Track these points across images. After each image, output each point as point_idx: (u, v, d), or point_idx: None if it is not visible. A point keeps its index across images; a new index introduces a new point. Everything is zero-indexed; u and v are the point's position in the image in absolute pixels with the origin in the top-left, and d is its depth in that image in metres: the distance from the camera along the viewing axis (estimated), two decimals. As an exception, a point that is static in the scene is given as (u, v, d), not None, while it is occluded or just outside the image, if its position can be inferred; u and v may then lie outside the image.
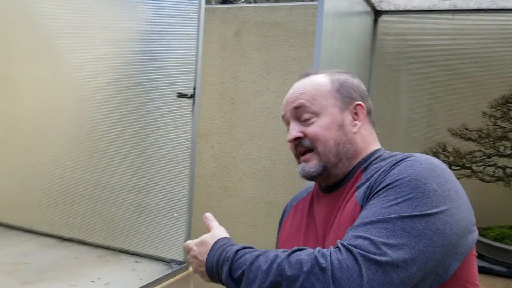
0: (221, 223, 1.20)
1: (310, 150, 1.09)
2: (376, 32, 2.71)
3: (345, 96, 1.12)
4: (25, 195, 2.28)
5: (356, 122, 1.12)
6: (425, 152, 2.37)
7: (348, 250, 0.83)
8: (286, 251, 0.91)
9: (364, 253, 0.81)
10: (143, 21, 2.00)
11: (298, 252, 0.89)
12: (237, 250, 0.92)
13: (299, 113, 1.09)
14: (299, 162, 1.12)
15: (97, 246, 2.06)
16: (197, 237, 1.04)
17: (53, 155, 2.22)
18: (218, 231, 1.04)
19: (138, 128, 2.00)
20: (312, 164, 1.07)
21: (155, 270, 1.81)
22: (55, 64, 2.22)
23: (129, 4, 2.03)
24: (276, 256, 0.88)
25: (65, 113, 2.20)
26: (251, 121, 3.02)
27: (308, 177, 1.07)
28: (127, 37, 2.02)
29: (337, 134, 1.08)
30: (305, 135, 1.08)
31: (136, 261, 1.91)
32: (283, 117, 1.14)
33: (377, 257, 0.80)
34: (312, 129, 1.08)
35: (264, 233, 2.99)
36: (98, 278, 1.69)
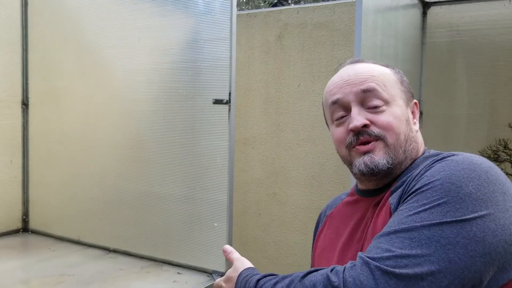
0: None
1: (374, 140, 0.95)
2: (425, 25, 2.54)
3: (407, 91, 1.02)
4: (74, 207, 2.33)
5: (415, 121, 1.02)
6: (483, 151, 2.18)
7: (366, 263, 0.76)
8: (302, 273, 0.84)
9: (383, 266, 0.73)
10: (177, 29, 1.98)
11: (312, 273, 0.82)
12: (258, 280, 0.91)
13: (366, 97, 0.96)
14: (350, 155, 0.98)
15: (141, 257, 2.05)
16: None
17: (100, 166, 2.26)
18: (239, 263, 1.00)
19: (177, 137, 1.98)
20: (381, 155, 0.94)
21: (196, 282, 1.77)
22: (99, 77, 2.26)
23: (162, 14, 2.03)
24: (291, 281, 0.84)
25: (110, 125, 2.23)
26: (297, 125, 2.93)
27: (377, 171, 0.94)
28: (162, 46, 2.02)
29: (406, 129, 0.97)
30: (372, 123, 0.95)
31: (178, 273, 1.87)
32: (336, 101, 0.99)
33: (397, 270, 0.72)
34: (384, 117, 0.95)
35: (315, 241, 2.87)
36: (139, 290, 1.67)
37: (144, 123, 2.11)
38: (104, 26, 2.20)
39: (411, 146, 0.98)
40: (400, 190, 0.90)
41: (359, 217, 1.03)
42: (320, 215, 1.22)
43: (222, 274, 1.81)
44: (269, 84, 3.03)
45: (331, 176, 2.78)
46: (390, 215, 0.87)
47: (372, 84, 0.97)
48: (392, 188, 0.94)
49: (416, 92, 2.63)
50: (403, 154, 0.96)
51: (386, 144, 0.95)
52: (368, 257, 0.76)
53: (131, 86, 2.14)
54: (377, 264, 0.74)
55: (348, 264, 0.79)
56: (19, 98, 2.48)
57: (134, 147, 2.14)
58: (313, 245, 1.19)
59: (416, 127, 1.01)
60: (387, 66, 1.05)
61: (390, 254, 0.74)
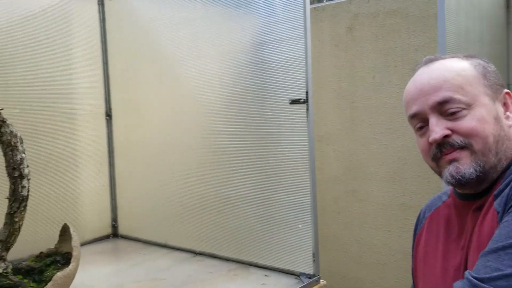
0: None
1: (459, 149, 0.90)
2: (510, 3, 2.34)
3: (493, 83, 0.94)
4: (159, 211, 2.41)
5: (508, 113, 0.94)
6: None
7: (475, 286, 0.71)
8: None
9: None
10: (249, 31, 1.97)
11: None
12: None
13: (443, 106, 0.92)
14: (438, 166, 0.94)
15: (227, 259, 2.08)
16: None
17: (180, 171, 2.31)
18: None
19: (255, 140, 1.98)
20: (467, 164, 0.89)
21: (284, 284, 1.76)
22: (175, 86, 2.32)
23: (233, 17, 2.03)
24: None
25: (188, 131, 2.27)
26: (374, 119, 2.83)
27: (464, 181, 0.89)
28: (235, 49, 2.02)
29: (495, 129, 0.90)
30: (454, 132, 0.91)
31: (266, 275, 1.87)
32: (413, 115, 0.95)
33: None
34: (466, 123, 0.90)
35: (399, 238, 2.76)
36: (229, 294, 1.68)
37: (220, 128, 2.13)
38: (178, 36, 2.25)
39: (504, 146, 0.91)
40: (505, 194, 0.82)
41: (460, 222, 0.97)
42: (419, 215, 1.15)
43: (310, 276, 1.79)
44: (341, 78, 2.95)
45: (414, 171, 2.66)
46: (497, 223, 0.80)
47: (446, 94, 0.91)
48: (495, 192, 0.87)
49: (505, 77, 2.44)
50: (495, 157, 0.89)
51: (473, 151, 0.90)
52: (476, 278, 0.71)
53: (206, 92, 2.17)
54: (487, 286, 0.69)
55: (458, 284, 0.74)
56: (102, 110, 2.60)
57: (212, 152, 2.17)
58: (413, 246, 1.13)
59: (510, 121, 0.93)
60: (467, 58, 0.97)
61: (500, 273, 0.69)
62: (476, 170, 0.88)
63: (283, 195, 1.90)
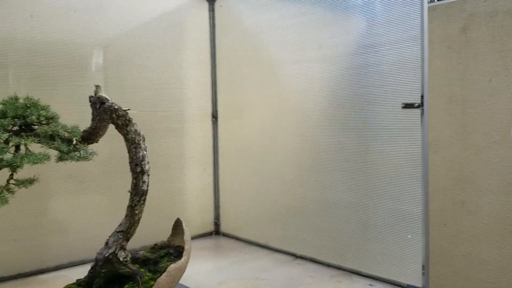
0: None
1: None
2: None
3: None
4: (259, 212, 2.45)
5: None
6: None
7: None
8: None
9: None
10: (357, 33, 1.93)
11: None
12: None
13: None
14: None
15: (329, 265, 2.05)
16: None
17: (280, 173, 2.33)
18: None
19: (359, 144, 1.94)
20: None
21: (391, 296, 1.69)
22: (277, 88, 2.35)
23: (340, 20, 2.00)
24: None
25: (289, 134, 2.29)
26: (488, 126, 2.62)
27: None
28: (341, 52, 1.99)
29: None
30: None
31: (370, 284, 1.81)
32: None
33: None
34: None
35: (515, 257, 2.52)
36: (333, 300, 1.65)
37: (322, 131, 2.11)
38: (282, 39, 2.28)
39: None
40: None
41: None
42: None
43: (418, 289, 1.70)
44: (452, 82, 2.77)
45: (535, 183, 2.42)
46: None
47: None
48: None
49: None
50: None
51: None
52: None
53: (308, 95, 2.17)
54: None
55: None
56: (209, 111, 2.71)
57: (313, 155, 2.16)
58: None
59: None
60: None
61: None
62: None
63: (390, 202, 1.83)
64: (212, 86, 2.71)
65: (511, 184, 2.53)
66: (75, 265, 2.17)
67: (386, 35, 1.81)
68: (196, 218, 2.67)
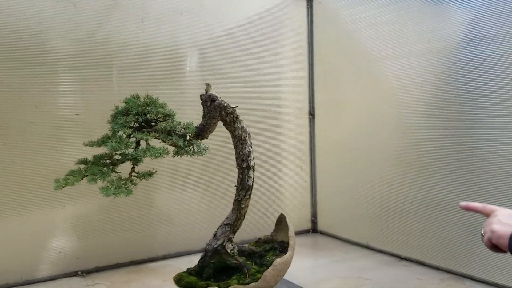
0: None
1: None
2: None
3: None
4: (359, 211, 2.40)
5: None
6: None
7: None
8: None
9: None
10: (466, 25, 1.81)
11: None
12: None
13: None
14: None
15: (437, 268, 1.95)
16: None
17: (379, 172, 2.26)
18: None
19: (467, 142, 1.82)
20: None
21: (510, 304, 1.57)
22: (376, 85, 2.28)
23: (447, 11, 1.89)
24: None
25: (388, 131, 2.21)
26: None
27: None
28: (449, 46, 1.88)
29: None
30: None
31: (485, 291, 1.70)
32: None
33: None
34: None
35: None
36: (445, 305, 1.57)
37: (424, 128, 2.02)
38: (381, 35, 2.21)
39: None
40: None
41: None
42: None
43: (543, 299, 1.56)
44: None
45: None
46: None
47: None
48: None
49: None
50: None
51: None
52: None
53: (408, 91, 2.09)
54: None
55: None
56: (306, 109, 2.71)
57: (414, 153, 2.06)
58: None
59: None
60: None
61: None
62: None
63: (503, 202, 1.69)
64: (309, 84, 2.70)
65: None
66: (181, 255, 2.28)
67: (499, 26, 1.68)
68: (293, 215, 2.67)
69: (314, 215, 2.73)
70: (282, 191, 2.66)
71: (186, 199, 2.33)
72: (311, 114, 2.71)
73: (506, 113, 1.67)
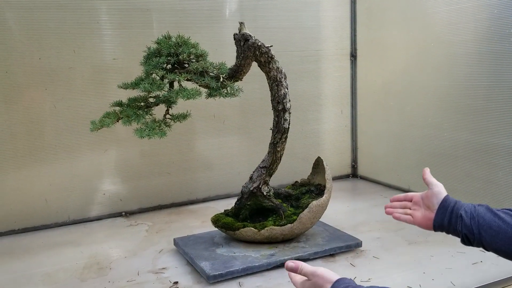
0: None
1: None
2: None
3: None
4: (402, 156, 2.33)
5: None
6: None
7: None
8: None
9: None
10: None
11: None
12: None
13: None
14: None
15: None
16: None
17: (425, 116, 2.16)
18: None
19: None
20: None
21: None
22: (422, 22, 2.13)
23: None
24: None
25: (435, 72, 2.09)
26: None
27: None
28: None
29: None
30: None
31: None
32: None
33: None
34: None
35: None
36: (487, 249, 1.52)
37: (473, 69, 1.88)
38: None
39: None
40: None
41: None
42: None
43: None
44: None
45: None
46: None
47: None
48: None
49: None
50: None
51: None
52: None
53: (457, 30, 1.93)
54: None
55: None
56: (348, 50, 2.60)
57: (466, 95, 1.94)
58: None
59: None
60: None
61: None
62: None
63: None
64: (352, 23, 2.57)
65: None
66: (221, 198, 2.33)
67: None
68: (333, 160, 2.64)
69: (354, 160, 2.68)
70: (321, 135, 2.61)
71: (224, 143, 2.34)
72: (353, 56, 2.60)
73: None
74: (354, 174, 2.69)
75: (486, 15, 1.82)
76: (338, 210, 2.05)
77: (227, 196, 2.32)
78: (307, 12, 2.45)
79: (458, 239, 1.05)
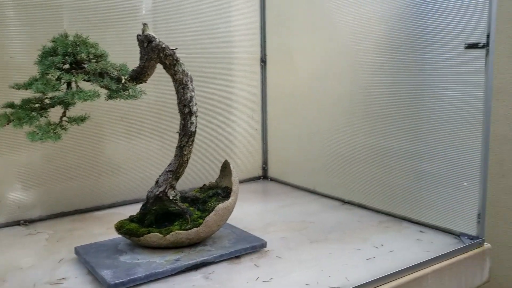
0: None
1: None
2: None
3: None
4: (308, 158, 2.43)
5: None
6: None
7: None
8: None
9: None
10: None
11: None
12: None
13: None
14: None
15: (377, 211, 2.02)
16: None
17: (330, 120, 2.27)
18: None
19: (416, 88, 1.83)
20: None
21: (443, 243, 1.64)
22: (330, 30, 2.24)
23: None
24: None
25: (340, 78, 2.20)
26: (560, 71, 2.41)
27: None
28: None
29: None
30: None
31: (421, 231, 1.77)
32: None
33: None
34: None
35: None
36: (381, 245, 1.64)
37: (374, 76, 2.01)
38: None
39: None
40: None
41: None
42: None
43: (472, 238, 1.65)
44: (521, 23, 2.55)
45: None
46: None
47: None
48: None
49: None
50: None
51: None
52: None
53: (361, 38, 2.05)
54: None
55: None
56: (258, 56, 2.66)
57: (364, 101, 2.07)
58: None
59: None
60: None
61: None
62: None
63: (446, 149, 1.74)
64: (261, 30, 2.63)
65: None
66: (128, 204, 2.26)
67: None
68: (244, 163, 2.69)
69: (265, 162, 2.75)
70: (233, 138, 2.64)
71: (132, 147, 2.28)
72: (263, 61, 2.66)
73: (455, 58, 1.68)
74: (265, 176, 2.75)
75: (384, 26, 1.95)
76: (247, 211, 2.09)
77: (135, 202, 2.26)
78: (219, 17, 2.46)
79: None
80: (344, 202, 2.18)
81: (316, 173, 2.37)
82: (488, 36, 1.55)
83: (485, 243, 1.66)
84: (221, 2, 2.46)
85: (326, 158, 2.30)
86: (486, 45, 1.56)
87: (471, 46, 1.60)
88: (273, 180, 2.71)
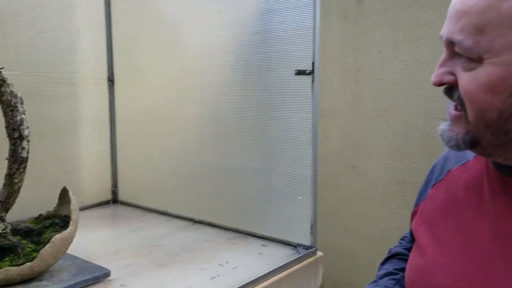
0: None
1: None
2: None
3: None
4: (159, 179, 2.41)
5: None
6: None
7: None
8: None
9: None
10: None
11: None
12: None
13: (452, 45, 0.71)
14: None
15: (226, 228, 2.08)
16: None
17: (181, 141, 2.30)
18: None
19: (257, 110, 1.96)
20: (456, 130, 0.74)
21: (282, 255, 1.76)
22: (178, 52, 2.28)
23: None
24: None
25: (190, 99, 2.24)
26: (378, 94, 2.80)
27: (449, 146, 0.75)
28: (240, 18, 1.97)
29: (507, 103, 0.66)
30: (457, 84, 0.72)
31: (263, 245, 1.88)
32: (441, 37, 0.76)
33: None
34: (464, 82, 0.69)
35: (398, 214, 2.78)
36: (226, 262, 1.69)
37: (221, 97, 2.10)
38: (181, 0, 2.20)
39: None
40: None
41: (505, 204, 0.77)
42: (434, 167, 1.01)
43: (307, 248, 1.79)
44: (347, 52, 2.90)
45: (416, 148, 2.64)
46: None
47: (455, 37, 0.68)
48: None
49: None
50: (502, 136, 0.69)
51: (467, 120, 0.72)
52: None
53: (208, 60, 2.13)
54: None
55: None
56: (105, 74, 2.57)
57: (213, 121, 2.15)
58: (423, 196, 1.00)
59: None
60: None
61: None
62: (459, 142, 0.72)
63: (284, 166, 1.89)
64: (108, 48, 2.56)
65: (396, 149, 2.75)
66: (-50, 240, 1.98)
67: (281, 1, 1.82)
68: (92, 187, 2.56)
69: (114, 185, 2.65)
70: (79, 161, 2.50)
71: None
72: (111, 80, 2.58)
73: (287, 83, 1.83)
74: (114, 199, 2.65)
75: (225, 51, 2.05)
76: (92, 239, 1.99)
77: (-41, 237, 1.99)
78: (62, 33, 2.32)
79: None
80: (194, 221, 2.21)
81: (167, 194, 2.37)
82: (313, 64, 1.73)
83: (318, 251, 1.82)
84: (63, 18, 2.33)
85: (177, 178, 2.31)
86: (312, 72, 1.74)
87: (300, 72, 1.77)
88: (123, 203, 2.62)
